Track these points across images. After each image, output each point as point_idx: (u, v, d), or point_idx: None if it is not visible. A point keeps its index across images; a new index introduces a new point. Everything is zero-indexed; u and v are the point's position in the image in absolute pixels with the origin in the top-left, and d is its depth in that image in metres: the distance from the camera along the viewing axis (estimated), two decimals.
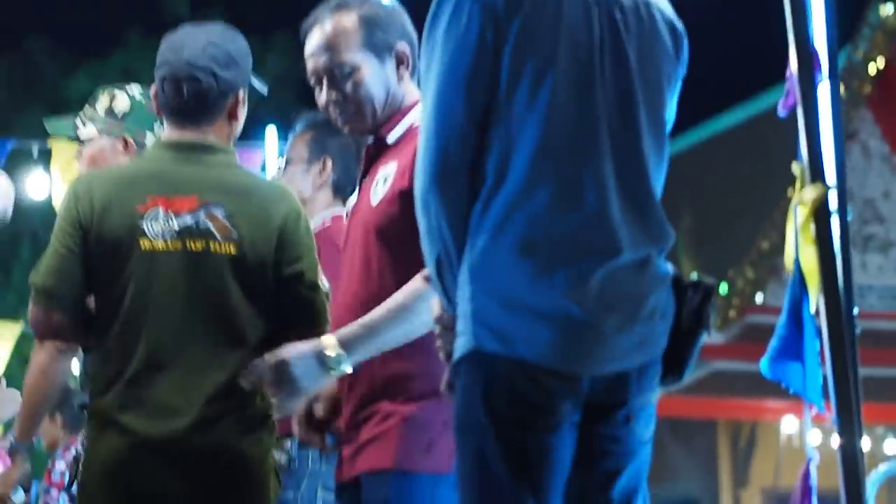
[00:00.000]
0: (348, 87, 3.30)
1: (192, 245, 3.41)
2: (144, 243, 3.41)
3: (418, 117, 3.08)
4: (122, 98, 4.23)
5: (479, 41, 2.65)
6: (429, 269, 2.71)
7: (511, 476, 2.61)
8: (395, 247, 3.14)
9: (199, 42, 3.50)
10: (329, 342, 3.13)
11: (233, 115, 3.56)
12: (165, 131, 3.56)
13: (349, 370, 3.11)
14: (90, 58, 20.40)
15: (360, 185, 3.33)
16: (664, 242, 2.72)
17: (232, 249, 3.42)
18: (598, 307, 2.61)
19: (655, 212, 2.72)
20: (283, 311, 3.46)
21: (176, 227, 3.43)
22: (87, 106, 4.27)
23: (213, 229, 3.42)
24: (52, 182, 8.00)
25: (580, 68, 2.66)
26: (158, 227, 3.42)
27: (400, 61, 3.31)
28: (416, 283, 3.05)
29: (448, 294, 2.68)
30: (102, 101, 4.25)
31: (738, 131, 17.55)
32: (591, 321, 2.61)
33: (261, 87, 3.71)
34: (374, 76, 3.29)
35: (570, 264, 2.62)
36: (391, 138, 3.29)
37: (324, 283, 3.50)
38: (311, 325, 3.43)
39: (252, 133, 9.83)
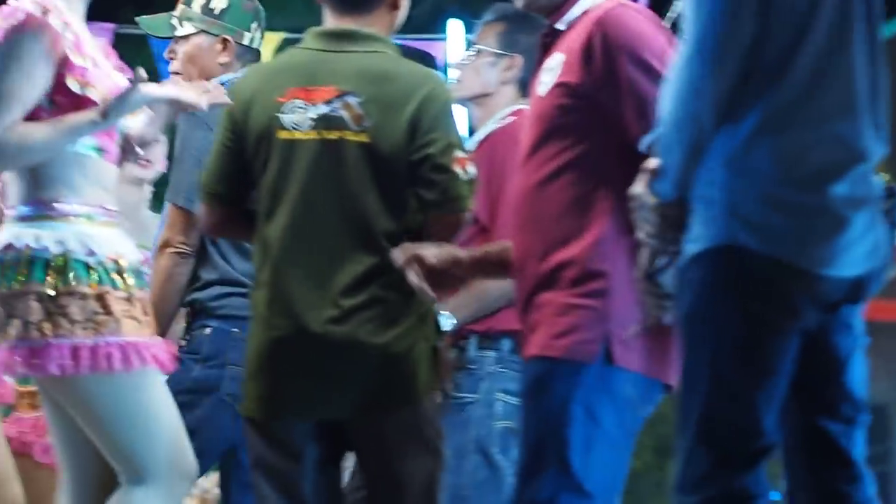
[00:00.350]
0: None
1: (327, 134, 3.44)
2: (282, 134, 3.47)
3: (592, 2, 3.10)
4: None
5: None
6: (668, 152, 2.68)
7: (746, 375, 2.64)
8: (556, 139, 3.06)
9: None
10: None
11: (395, 4, 3.57)
12: (327, 19, 3.56)
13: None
14: None
15: (536, 74, 3.21)
16: (883, 150, 2.76)
17: (365, 138, 3.43)
18: (852, 212, 2.64)
19: (884, 119, 2.76)
20: (416, 196, 3.47)
21: (312, 117, 3.46)
22: (181, 4, 4.19)
23: (346, 118, 3.44)
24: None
25: None
26: (296, 118, 3.47)
27: None
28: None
29: (682, 183, 2.67)
30: None
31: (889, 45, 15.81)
32: (847, 225, 2.63)
33: None
34: None
35: (834, 168, 2.65)
36: (562, 24, 3.18)
37: (465, 168, 3.45)
38: (439, 209, 3.46)
39: (434, 26, 9.69)
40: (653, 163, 2.75)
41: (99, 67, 3.42)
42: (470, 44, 4.51)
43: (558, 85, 3.07)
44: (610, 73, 3.00)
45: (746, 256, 2.62)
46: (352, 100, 3.44)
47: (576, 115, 3.05)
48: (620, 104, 2.99)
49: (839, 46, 2.70)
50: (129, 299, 3.37)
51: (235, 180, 3.54)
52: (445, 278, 3.30)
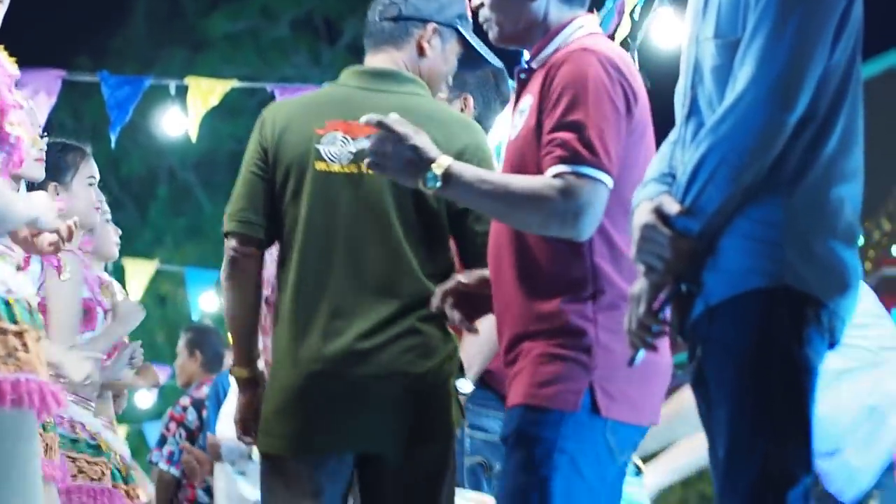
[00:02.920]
0: None
1: (367, 169, 3.27)
2: (320, 165, 3.46)
3: (563, 40, 3.13)
4: None
5: None
6: (715, 188, 2.57)
7: (809, 416, 2.60)
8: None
9: None
10: (443, 161, 3.02)
11: (420, 48, 3.59)
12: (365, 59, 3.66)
13: (431, 189, 3.02)
14: None
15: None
16: None
17: None
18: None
19: None
20: (456, 244, 3.52)
21: (352, 150, 3.45)
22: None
23: None
24: (188, 120, 8.54)
25: None
26: (335, 150, 3.46)
27: None
28: (547, 187, 2.97)
29: (716, 221, 2.57)
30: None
31: (875, 82, 17.02)
32: (858, 282, 2.69)
33: (490, 56, 3.70)
34: None
35: (856, 228, 2.69)
36: (536, 62, 3.17)
37: None
38: (477, 261, 3.39)
39: None
40: (668, 200, 2.63)
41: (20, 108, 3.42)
42: None
43: (527, 129, 3.08)
44: (560, 117, 3.01)
45: (800, 298, 2.58)
46: None
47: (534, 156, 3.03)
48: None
49: (858, 103, 2.68)
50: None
51: (265, 207, 3.51)
52: (480, 300, 3.27)
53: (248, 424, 3.60)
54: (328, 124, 3.50)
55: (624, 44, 5.16)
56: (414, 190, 3.26)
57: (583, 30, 3.18)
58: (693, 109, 2.74)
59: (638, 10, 5.11)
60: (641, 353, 2.66)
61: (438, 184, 3.04)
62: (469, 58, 3.75)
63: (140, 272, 11.47)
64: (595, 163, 3.00)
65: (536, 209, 3.01)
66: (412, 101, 3.53)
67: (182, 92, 8.62)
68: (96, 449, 4.58)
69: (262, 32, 21.86)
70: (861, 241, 16.97)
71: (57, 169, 4.54)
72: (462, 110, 4.16)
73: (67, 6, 22.26)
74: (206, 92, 8.73)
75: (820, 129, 2.63)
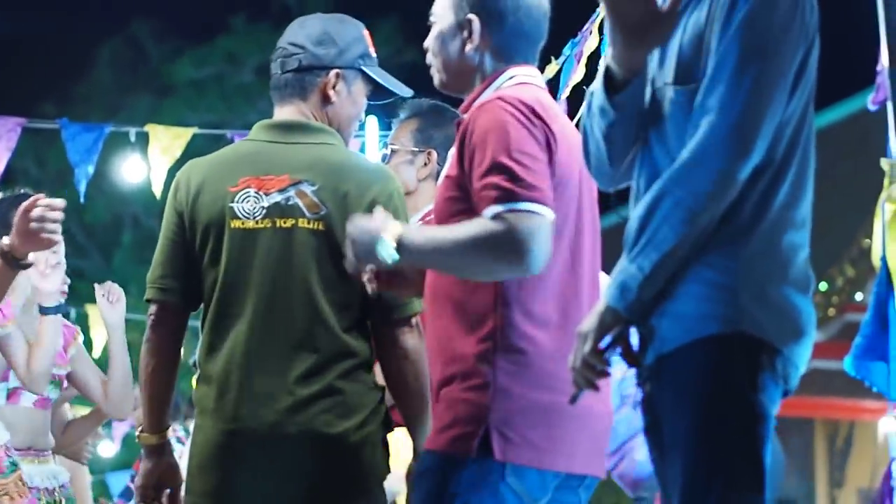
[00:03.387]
0: (431, 39, 3.28)
1: (281, 223, 3.38)
2: (235, 223, 3.44)
3: (493, 91, 3.15)
4: None
5: (808, 41, 2.63)
6: (669, 227, 2.55)
7: (763, 462, 2.60)
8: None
9: (304, 24, 3.65)
10: (392, 231, 3.02)
11: (325, 96, 3.58)
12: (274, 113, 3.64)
13: (392, 264, 3.01)
14: (194, 43, 20.01)
15: None
16: None
17: (320, 226, 3.40)
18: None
19: None
20: (378, 296, 3.38)
21: (265, 206, 3.43)
22: None
23: (301, 206, 3.42)
24: (149, 167, 8.56)
25: None
26: (248, 207, 3.44)
27: (478, 26, 3.19)
28: (486, 231, 2.93)
29: (672, 253, 2.55)
30: None
31: (838, 128, 16.72)
32: (812, 332, 2.68)
33: (397, 87, 3.68)
34: (447, 33, 3.24)
35: (809, 277, 2.69)
36: (468, 113, 3.17)
37: None
38: (392, 311, 3.43)
39: None
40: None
41: None
42: (385, 143, 4.45)
43: (447, 177, 3.11)
44: (486, 164, 2.99)
45: (755, 345, 2.58)
46: (306, 188, 3.42)
47: (461, 206, 3.05)
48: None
49: (809, 152, 2.68)
50: None
51: (184, 272, 3.49)
52: (405, 280, 3.27)
53: (148, 492, 3.56)
54: (240, 181, 3.49)
55: (579, 90, 5.14)
56: (329, 240, 3.34)
57: (513, 80, 3.19)
58: (644, 160, 2.72)
59: (598, 58, 5.11)
60: (582, 393, 2.64)
61: (395, 251, 3.03)
62: (439, 113, 3.79)
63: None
64: (529, 196, 2.97)
65: (482, 254, 2.98)
66: (323, 151, 3.52)
67: (143, 139, 8.61)
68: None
69: (227, 78, 21.79)
70: (825, 287, 16.56)
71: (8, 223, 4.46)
72: (425, 165, 4.19)
73: (33, 53, 22.25)
74: (167, 139, 8.68)
75: (774, 176, 2.63)
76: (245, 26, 22.41)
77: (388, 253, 3.03)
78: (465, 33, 3.22)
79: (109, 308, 4.98)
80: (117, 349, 4.96)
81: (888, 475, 3.02)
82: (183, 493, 3.57)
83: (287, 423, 3.37)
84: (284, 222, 3.42)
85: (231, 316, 3.44)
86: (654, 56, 2.75)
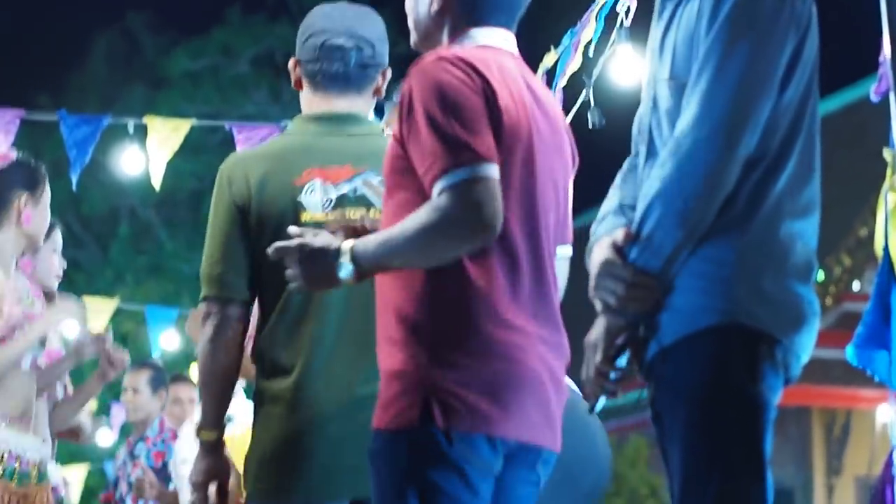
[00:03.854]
0: None
1: (351, 213, 3.39)
2: (305, 216, 3.42)
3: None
4: None
5: (801, 30, 2.66)
6: (670, 226, 2.60)
7: (762, 452, 2.62)
8: (394, 193, 3.00)
9: (356, 15, 3.61)
10: (345, 248, 2.91)
11: (378, 92, 3.66)
12: (312, 102, 3.60)
13: (349, 279, 2.91)
14: (190, 35, 20.03)
15: None
16: None
17: None
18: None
19: None
20: None
21: (334, 197, 3.44)
22: None
23: (370, 195, 3.45)
24: (147, 159, 8.56)
25: None
26: (317, 198, 3.44)
27: None
28: (434, 212, 2.83)
29: (674, 258, 2.60)
30: None
31: (836, 118, 16.91)
32: (815, 320, 2.72)
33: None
34: None
35: (812, 264, 2.73)
36: None
37: None
38: None
39: None
40: (621, 233, 2.71)
41: None
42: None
43: (392, 136, 3.00)
44: (408, 124, 2.93)
45: (752, 335, 2.60)
46: (372, 177, 3.44)
47: (406, 164, 2.94)
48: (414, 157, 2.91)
49: (814, 140, 2.69)
50: None
51: (244, 267, 3.47)
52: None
53: (203, 489, 3.54)
54: (304, 173, 3.47)
55: (576, 80, 5.14)
56: None
57: (474, 41, 3.11)
58: (651, 150, 2.75)
59: (592, 47, 5.12)
60: (602, 401, 2.65)
61: (351, 267, 2.92)
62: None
63: (101, 311, 11.41)
64: (468, 159, 2.83)
65: (437, 237, 2.85)
66: (379, 142, 3.50)
67: (141, 131, 8.59)
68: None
69: (223, 70, 21.73)
70: (822, 276, 16.99)
71: (32, 181, 4.57)
72: None
73: (28, 45, 22.32)
74: (165, 131, 8.68)
75: (770, 167, 2.64)
76: (240, 18, 22.39)
77: (346, 273, 2.92)
78: None
79: (108, 369, 5.04)
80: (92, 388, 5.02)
81: (889, 462, 3.03)
82: (234, 483, 3.56)
83: (369, 410, 3.20)
84: (354, 213, 3.42)
85: (306, 310, 3.42)
86: (654, 48, 2.77)
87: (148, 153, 8.48)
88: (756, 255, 2.63)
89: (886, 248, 3.03)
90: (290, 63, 3.64)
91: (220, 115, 15.91)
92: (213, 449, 3.55)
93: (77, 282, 18.20)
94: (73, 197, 17.31)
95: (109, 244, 21.01)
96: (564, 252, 3.21)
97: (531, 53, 3.69)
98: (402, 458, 2.90)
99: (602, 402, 2.65)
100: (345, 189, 3.44)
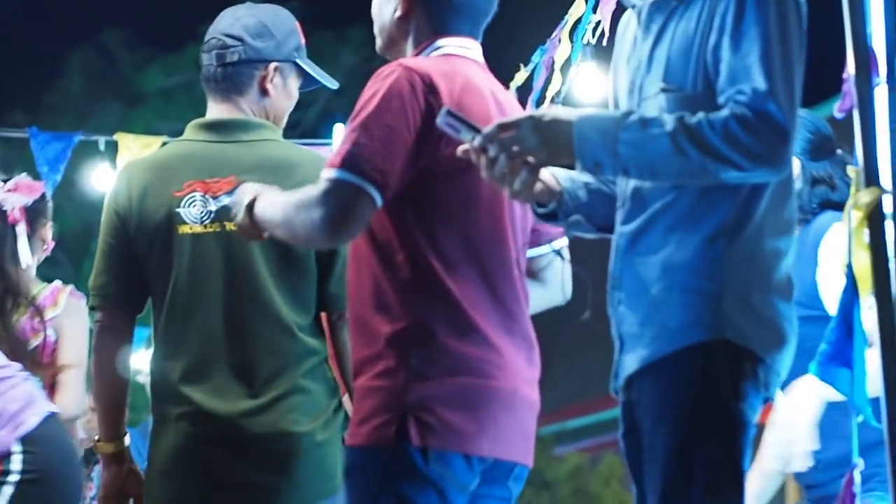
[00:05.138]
0: (373, 3, 3.27)
1: (230, 226, 3.31)
2: (183, 228, 3.39)
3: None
4: None
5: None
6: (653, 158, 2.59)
7: (741, 470, 2.64)
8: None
9: (237, 14, 3.56)
10: (252, 193, 3.06)
11: (263, 89, 3.53)
12: (208, 109, 3.60)
13: (237, 223, 3.06)
14: (164, 51, 19.86)
15: None
16: None
17: None
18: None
19: None
20: (324, 290, 3.42)
21: (213, 209, 3.40)
22: None
23: None
24: None
25: None
26: (196, 211, 3.39)
27: None
28: (308, 196, 2.92)
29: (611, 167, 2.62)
30: None
31: None
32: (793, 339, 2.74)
33: (327, 79, 3.63)
34: (384, 2, 3.21)
35: (793, 278, 2.75)
36: None
37: None
38: (336, 303, 3.44)
39: (321, 131, 9.95)
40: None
41: None
42: None
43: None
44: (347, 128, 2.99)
45: (737, 352, 2.61)
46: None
47: None
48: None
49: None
50: None
51: (129, 280, 3.43)
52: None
53: (111, 503, 3.52)
54: (185, 185, 3.46)
55: (553, 99, 5.16)
56: (278, 242, 3.24)
57: (440, 50, 3.14)
58: None
59: (573, 67, 5.12)
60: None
61: (241, 214, 3.05)
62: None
63: None
64: (354, 168, 2.90)
65: (299, 218, 2.94)
66: (266, 148, 3.49)
67: (112, 148, 8.54)
68: None
69: (197, 86, 21.23)
70: None
71: (48, 209, 4.75)
72: None
73: (2, 61, 21.93)
74: (136, 148, 8.66)
75: (758, 182, 2.65)
76: None
77: (241, 216, 3.04)
78: (398, 0, 3.18)
79: None
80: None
81: (850, 481, 3.04)
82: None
83: (254, 425, 3.34)
84: (234, 225, 3.28)
85: (186, 323, 3.39)
86: (642, 62, 2.76)
87: (118, 170, 8.42)
88: (744, 271, 2.63)
89: (850, 266, 3.04)
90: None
91: None
92: (114, 461, 3.53)
93: None
94: None
95: (82, 261, 21.12)
96: (546, 249, 3.32)
97: (501, 70, 3.66)
98: (378, 475, 2.91)
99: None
100: (225, 201, 3.40)
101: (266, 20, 3.55)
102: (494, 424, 2.95)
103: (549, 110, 2.67)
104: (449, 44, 3.14)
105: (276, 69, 3.55)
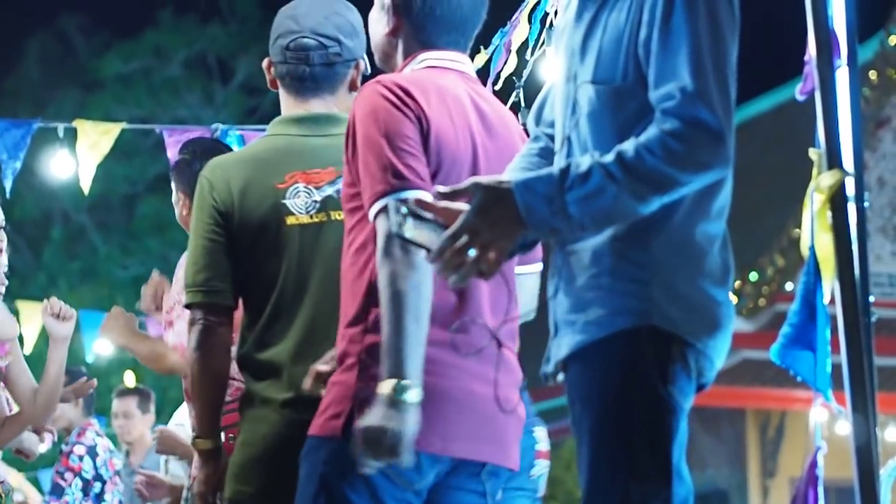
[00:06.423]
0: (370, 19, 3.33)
1: (336, 215, 3.39)
2: (290, 219, 3.44)
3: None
4: None
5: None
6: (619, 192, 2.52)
7: (670, 454, 2.61)
8: (349, 217, 3.13)
9: (322, 11, 3.56)
10: (386, 385, 2.82)
11: (353, 86, 3.61)
12: (288, 104, 3.59)
13: (417, 394, 2.81)
14: (122, 37, 20.26)
15: None
16: None
17: None
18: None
19: None
20: None
21: (318, 200, 3.45)
22: None
23: None
24: (77, 163, 8.45)
25: None
26: (301, 202, 3.44)
27: (392, 9, 3.20)
28: (386, 244, 2.89)
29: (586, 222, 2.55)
30: None
31: (767, 118, 17.34)
32: (731, 324, 2.73)
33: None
34: (376, 15, 3.26)
35: (730, 267, 2.73)
36: None
37: None
38: None
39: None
40: None
41: None
42: None
43: (345, 162, 3.09)
44: (352, 148, 3.03)
45: (666, 338, 2.60)
46: None
47: (355, 191, 3.04)
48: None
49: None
50: None
51: (231, 275, 3.46)
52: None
53: (207, 499, 3.51)
54: (287, 177, 3.47)
55: (507, 81, 5.16)
56: None
57: (422, 63, 3.17)
58: (569, 153, 2.72)
59: (529, 49, 5.13)
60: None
61: (403, 387, 2.86)
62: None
63: (34, 316, 11.19)
64: (396, 186, 2.93)
65: (386, 269, 2.89)
66: None
67: (71, 134, 8.50)
68: None
69: (155, 72, 21.61)
70: (755, 277, 17.05)
71: None
72: None
73: None
74: (95, 134, 8.60)
75: None
76: (172, 20, 22.30)
77: (405, 393, 2.85)
78: (387, 16, 3.22)
79: (58, 324, 4.97)
80: (56, 364, 4.94)
81: (813, 464, 3.03)
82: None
83: None
84: (339, 215, 3.35)
85: (293, 311, 3.41)
86: (573, 48, 2.75)
87: (78, 157, 8.37)
88: (672, 257, 2.62)
89: (812, 249, 3.04)
90: (265, 63, 3.62)
91: (151, 119, 15.79)
92: (212, 457, 3.51)
93: (10, 286, 18.04)
94: (5, 202, 17.09)
95: (42, 248, 20.92)
96: (534, 268, 3.24)
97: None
98: (319, 466, 2.98)
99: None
100: (328, 191, 3.45)
101: (350, 17, 3.60)
102: (445, 422, 2.96)
103: (477, 189, 2.60)
104: (432, 57, 3.18)
105: (363, 65, 3.63)
